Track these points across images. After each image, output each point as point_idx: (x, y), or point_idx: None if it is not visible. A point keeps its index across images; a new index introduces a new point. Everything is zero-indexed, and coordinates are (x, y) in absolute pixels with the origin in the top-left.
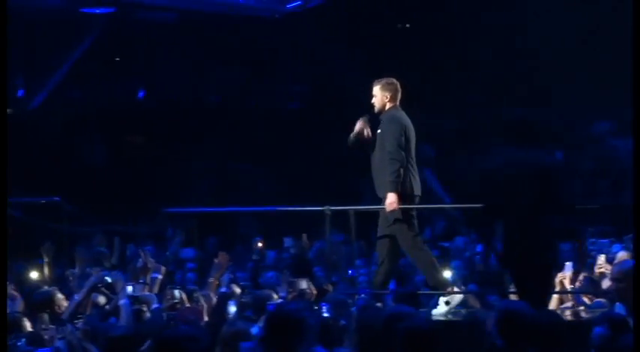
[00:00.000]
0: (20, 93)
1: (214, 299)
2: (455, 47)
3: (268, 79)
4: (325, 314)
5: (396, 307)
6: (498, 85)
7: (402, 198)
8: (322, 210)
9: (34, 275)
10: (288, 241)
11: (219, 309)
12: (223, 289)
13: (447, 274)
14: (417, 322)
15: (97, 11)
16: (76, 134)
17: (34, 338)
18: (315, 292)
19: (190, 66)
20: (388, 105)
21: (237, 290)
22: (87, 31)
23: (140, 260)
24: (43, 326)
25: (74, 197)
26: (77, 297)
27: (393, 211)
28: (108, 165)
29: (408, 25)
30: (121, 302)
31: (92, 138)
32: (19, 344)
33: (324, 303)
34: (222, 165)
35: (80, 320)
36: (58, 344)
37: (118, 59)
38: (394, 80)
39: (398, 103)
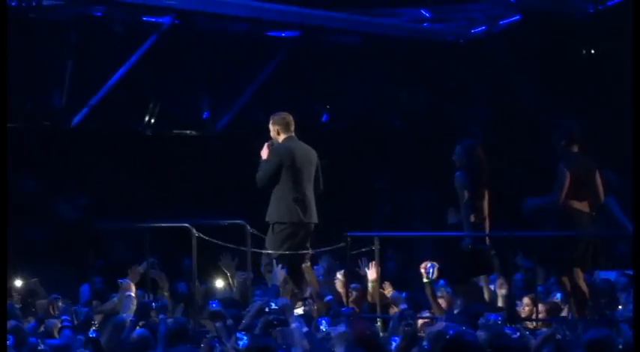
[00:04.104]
0: (206, 115)
1: None
2: None
3: (451, 104)
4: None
5: None
6: None
7: (278, 224)
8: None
9: (219, 283)
10: None
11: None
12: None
13: None
14: None
15: (283, 35)
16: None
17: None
18: None
19: (374, 89)
20: (282, 137)
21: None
22: (272, 54)
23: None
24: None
25: (259, 220)
26: (245, 321)
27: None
28: None
29: (592, 51)
30: (293, 325)
31: None
32: None
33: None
34: (405, 188)
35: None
36: None
37: (302, 82)
38: (285, 114)
39: (293, 134)
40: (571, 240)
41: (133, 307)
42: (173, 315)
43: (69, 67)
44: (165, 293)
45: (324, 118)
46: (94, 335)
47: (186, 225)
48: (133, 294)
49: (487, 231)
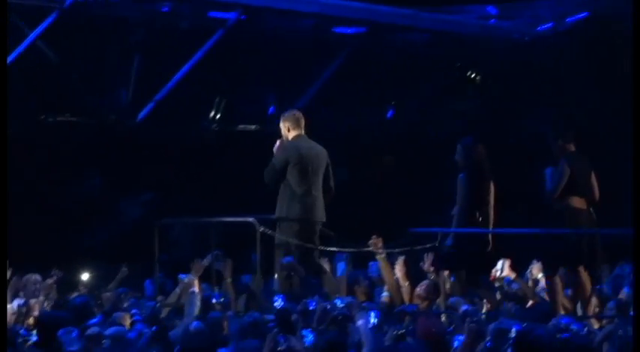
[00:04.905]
0: (271, 110)
1: None
2: None
3: (514, 102)
4: None
5: None
6: None
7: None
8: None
9: (275, 285)
10: None
11: None
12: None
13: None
14: None
15: (349, 31)
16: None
17: None
18: None
19: (440, 87)
20: (291, 135)
21: None
22: (338, 50)
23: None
24: None
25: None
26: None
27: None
28: (354, 185)
29: None
30: (359, 322)
31: (339, 158)
32: None
33: None
34: None
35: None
36: None
37: (368, 79)
38: (295, 111)
39: (303, 132)
40: (573, 238)
41: (199, 303)
42: (236, 307)
43: (135, 63)
44: (228, 281)
45: (389, 114)
46: (156, 329)
47: (250, 219)
48: (197, 290)
49: (491, 224)
